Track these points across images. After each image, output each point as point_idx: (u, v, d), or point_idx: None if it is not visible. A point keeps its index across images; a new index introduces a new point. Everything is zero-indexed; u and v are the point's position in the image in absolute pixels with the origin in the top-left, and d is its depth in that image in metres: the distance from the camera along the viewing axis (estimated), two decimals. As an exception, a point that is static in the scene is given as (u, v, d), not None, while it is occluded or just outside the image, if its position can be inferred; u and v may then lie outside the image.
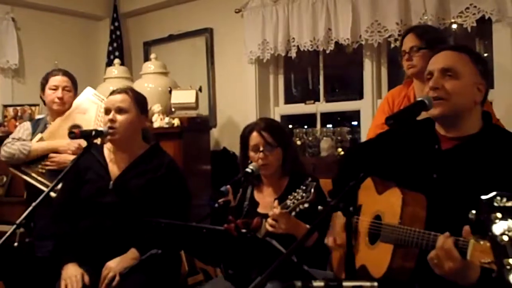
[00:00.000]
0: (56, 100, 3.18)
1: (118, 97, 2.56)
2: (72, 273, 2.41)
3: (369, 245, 1.94)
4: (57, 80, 3.21)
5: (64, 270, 2.44)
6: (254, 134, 2.50)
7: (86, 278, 2.40)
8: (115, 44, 4.98)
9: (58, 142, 3.11)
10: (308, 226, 2.26)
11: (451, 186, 1.76)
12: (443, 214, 1.73)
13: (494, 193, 1.03)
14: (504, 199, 1.02)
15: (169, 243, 2.30)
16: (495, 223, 1.00)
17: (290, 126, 4.41)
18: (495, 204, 1.03)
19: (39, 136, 3.13)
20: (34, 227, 3.05)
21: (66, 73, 3.28)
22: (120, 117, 2.52)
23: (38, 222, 2.92)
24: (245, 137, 2.57)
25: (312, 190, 2.14)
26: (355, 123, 4.23)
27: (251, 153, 2.51)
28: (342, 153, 3.92)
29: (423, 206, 1.79)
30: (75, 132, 2.45)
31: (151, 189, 2.51)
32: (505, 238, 0.98)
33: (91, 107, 3.18)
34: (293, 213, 2.20)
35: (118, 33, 5.01)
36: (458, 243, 1.51)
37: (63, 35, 4.93)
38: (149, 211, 2.45)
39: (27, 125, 3.32)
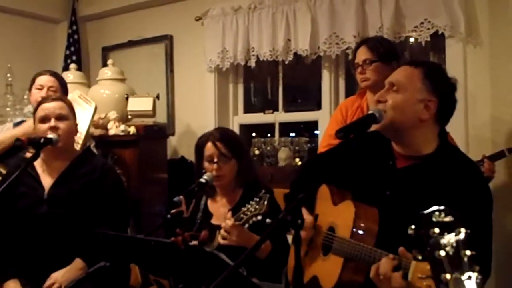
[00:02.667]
0: (40, 99, 3.11)
1: (56, 104, 2.52)
2: None
3: (322, 257, 1.94)
4: (43, 80, 3.15)
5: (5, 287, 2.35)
6: (209, 144, 2.47)
7: None
8: (72, 48, 4.86)
9: (22, 128, 3.01)
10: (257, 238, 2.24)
11: (403, 204, 1.76)
12: (394, 231, 1.71)
13: (432, 208, 1.04)
14: (443, 214, 1.03)
15: (116, 255, 2.24)
16: (433, 238, 1.01)
17: (254, 134, 4.41)
18: (434, 219, 1.03)
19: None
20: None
21: (53, 74, 3.23)
22: (62, 125, 2.48)
23: None
24: (199, 147, 2.53)
25: (265, 202, 2.12)
26: (317, 132, 4.26)
27: (206, 164, 2.48)
28: (300, 163, 3.93)
29: (375, 221, 1.80)
30: (22, 140, 2.37)
31: (87, 194, 2.47)
32: (442, 253, 0.99)
33: (77, 109, 3.09)
34: (246, 225, 2.18)
35: (76, 37, 4.90)
36: (401, 264, 1.52)
37: (18, 38, 4.79)
38: (87, 217, 2.40)
39: (8, 125, 3.26)
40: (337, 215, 1.93)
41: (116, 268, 2.40)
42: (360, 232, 1.78)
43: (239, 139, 2.73)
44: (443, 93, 1.81)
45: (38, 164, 2.55)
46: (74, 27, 4.91)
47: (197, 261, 1.80)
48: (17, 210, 2.46)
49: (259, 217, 2.14)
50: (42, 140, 2.37)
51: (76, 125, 2.64)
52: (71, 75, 4.30)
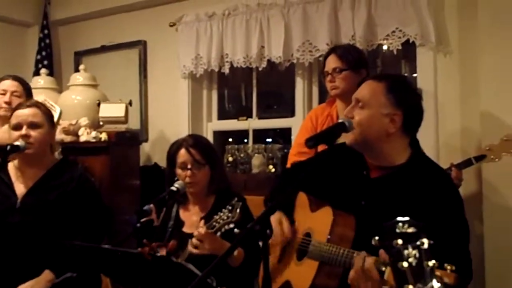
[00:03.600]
0: (3, 105, 3.05)
1: (29, 111, 2.46)
2: None
3: (296, 261, 1.96)
4: (6, 84, 3.10)
5: None
6: (182, 151, 2.44)
7: None
8: (44, 53, 4.79)
9: None
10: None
11: (378, 213, 1.77)
12: (369, 239, 1.73)
13: (396, 220, 1.04)
14: (406, 225, 1.03)
15: (84, 266, 2.21)
16: (396, 249, 1.01)
17: (230, 140, 4.39)
18: (397, 230, 1.03)
19: None
20: None
21: (16, 78, 3.18)
22: (34, 133, 2.43)
23: None
24: (172, 154, 2.50)
25: (238, 210, 2.12)
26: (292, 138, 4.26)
27: (179, 171, 2.45)
28: (273, 170, 3.93)
29: (352, 228, 1.82)
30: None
31: (62, 205, 2.42)
32: (405, 264, 0.99)
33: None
34: (219, 233, 2.17)
35: (47, 41, 4.82)
36: (376, 263, 1.52)
37: (-12, 41, 4.71)
38: (61, 228, 2.35)
39: None
40: (315, 221, 1.95)
41: (86, 279, 2.36)
42: (337, 237, 1.80)
43: (212, 146, 2.71)
44: (408, 105, 1.84)
45: (12, 172, 2.51)
46: (46, 31, 4.83)
47: (165, 271, 1.77)
48: None
49: (232, 225, 2.14)
50: (8, 147, 2.32)
51: (53, 132, 2.59)
52: (41, 80, 4.25)
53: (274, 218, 2.04)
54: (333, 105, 2.77)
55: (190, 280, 1.61)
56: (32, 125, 2.43)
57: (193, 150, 2.43)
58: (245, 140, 4.26)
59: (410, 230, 1.03)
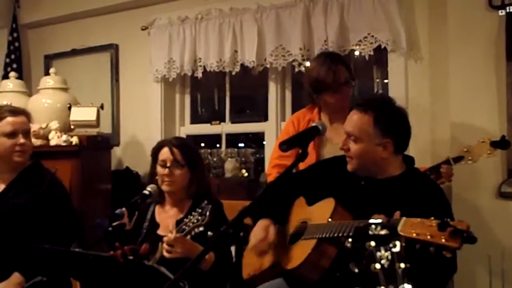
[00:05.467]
0: None
1: (22, 119, 2.50)
2: None
3: (287, 246, 2.06)
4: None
5: None
6: (165, 149, 2.49)
7: None
8: (13, 56, 4.71)
9: None
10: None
11: (371, 214, 1.82)
12: None
13: (368, 222, 1.05)
14: (378, 228, 1.05)
15: (54, 270, 2.17)
16: (369, 251, 1.02)
17: (203, 144, 4.38)
18: (370, 232, 1.05)
19: None
20: None
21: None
22: (27, 140, 2.48)
23: None
24: (155, 151, 2.56)
25: (208, 213, 2.13)
26: (264, 142, 4.27)
27: (159, 168, 2.48)
28: (246, 174, 3.93)
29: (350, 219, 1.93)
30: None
31: (32, 207, 2.42)
32: (378, 266, 1.00)
33: None
34: (189, 236, 2.17)
35: (16, 44, 4.74)
36: (390, 220, 1.59)
37: (-46, 44, 4.61)
38: (31, 231, 2.33)
39: None
40: (313, 211, 2.07)
41: (56, 283, 2.32)
42: (339, 218, 1.93)
43: (196, 151, 2.75)
44: (396, 131, 1.99)
45: None
46: (15, 34, 4.75)
47: (138, 275, 1.76)
48: None
49: (201, 228, 2.15)
50: None
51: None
52: (10, 84, 4.17)
53: (261, 225, 2.12)
54: (314, 111, 2.78)
55: (163, 283, 1.60)
56: (25, 133, 2.47)
57: (175, 149, 2.47)
58: (218, 145, 4.25)
59: (383, 232, 1.04)
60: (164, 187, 2.46)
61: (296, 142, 1.86)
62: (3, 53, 4.73)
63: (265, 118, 3.97)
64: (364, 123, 1.97)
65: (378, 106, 2.01)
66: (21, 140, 2.44)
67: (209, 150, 4.12)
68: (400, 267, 1.00)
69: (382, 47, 3.24)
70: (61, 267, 1.97)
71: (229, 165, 3.92)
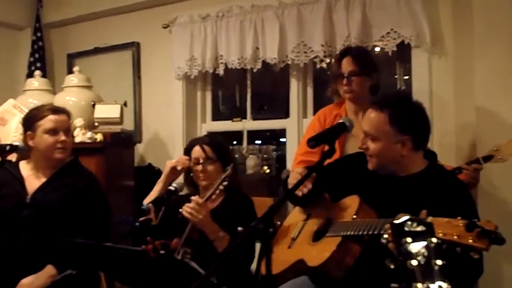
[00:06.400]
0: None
1: (64, 117, 2.58)
2: None
3: (311, 243, 2.06)
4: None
5: None
6: (196, 147, 2.62)
7: None
8: (36, 55, 4.76)
9: None
10: (219, 228, 2.37)
11: (394, 211, 1.82)
12: None
13: (405, 218, 1.05)
14: (415, 224, 1.05)
15: (86, 263, 2.22)
16: (405, 247, 1.03)
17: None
18: (406, 228, 1.05)
19: None
20: None
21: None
22: (67, 138, 2.56)
23: None
24: (188, 149, 2.68)
25: (229, 168, 2.34)
26: (283, 139, 4.28)
27: (193, 166, 2.60)
28: (268, 171, 3.94)
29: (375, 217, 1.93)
30: (-12, 147, 2.34)
31: (69, 203, 2.48)
32: (414, 262, 1.00)
33: (12, 119, 3.04)
34: (213, 196, 2.37)
35: (40, 43, 4.80)
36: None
37: (-19, 44, 4.69)
38: (67, 225, 2.40)
39: None
40: (337, 208, 2.08)
41: (85, 276, 2.37)
42: (364, 216, 1.93)
43: (227, 146, 2.87)
44: (413, 127, 1.97)
45: (24, 169, 2.58)
46: (39, 34, 4.81)
47: (168, 269, 1.79)
48: None
49: (225, 183, 2.34)
50: (7, 147, 2.36)
51: None
52: (36, 82, 4.23)
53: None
54: (342, 106, 2.78)
55: (192, 278, 1.62)
56: (66, 130, 2.56)
57: (207, 147, 2.59)
58: (234, 142, 4.26)
59: (419, 228, 1.04)
60: (201, 182, 2.58)
61: (324, 139, 1.88)
62: (27, 53, 4.80)
63: (286, 114, 3.97)
64: (381, 121, 1.96)
65: (393, 103, 1.99)
66: (62, 137, 2.51)
67: (230, 147, 4.13)
68: (436, 264, 1.00)
69: (406, 42, 3.22)
70: (92, 261, 2.02)
71: (251, 161, 3.93)
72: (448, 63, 3.16)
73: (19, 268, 2.36)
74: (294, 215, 2.35)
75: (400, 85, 3.55)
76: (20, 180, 2.53)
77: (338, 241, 1.90)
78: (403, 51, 3.41)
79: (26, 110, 2.89)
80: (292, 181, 2.22)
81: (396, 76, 3.59)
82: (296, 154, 2.88)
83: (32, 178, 2.55)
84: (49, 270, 2.34)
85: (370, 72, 2.68)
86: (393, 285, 1.01)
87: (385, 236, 1.11)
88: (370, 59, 2.79)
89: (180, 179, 2.73)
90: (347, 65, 2.68)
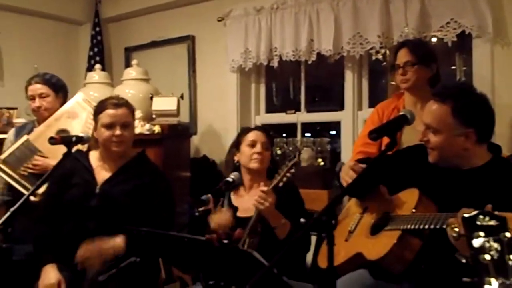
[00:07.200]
0: (36, 109, 3.16)
1: (122, 112, 2.60)
2: (50, 281, 2.39)
3: (369, 236, 2.05)
4: (32, 89, 3.16)
5: (43, 273, 2.43)
6: (255, 131, 2.68)
7: (63, 287, 2.39)
8: (96, 49, 4.93)
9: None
10: (282, 217, 2.41)
11: (457, 205, 1.77)
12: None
13: (476, 212, 1.04)
14: (487, 218, 1.04)
15: (150, 251, 2.29)
16: (478, 241, 1.02)
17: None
18: (478, 222, 1.04)
19: (25, 137, 3.08)
20: (12, 232, 3.03)
21: (40, 81, 3.17)
22: (126, 132, 2.59)
23: (17, 226, 2.91)
24: (241, 134, 2.73)
25: (296, 156, 2.49)
26: (333, 132, 4.26)
27: (246, 149, 2.63)
28: (322, 163, 3.93)
29: (435, 212, 1.89)
30: (55, 138, 2.43)
31: (137, 195, 2.54)
32: (487, 257, 0.99)
33: (81, 113, 3.14)
34: (281, 184, 2.40)
35: (99, 38, 4.97)
36: None
37: (43, 39, 4.88)
38: (134, 216, 2.46)
39: (10, 134, 3.34)
40: (395, 202, 2.05)
41: (147, 265, 2.44)
42: (423, 209, 1.89)
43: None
44: (478, 120, 1.91)
45: (93, 159, 2.65)
46: (97, 29, 4.98)
47: (231, 259, 1.82)
48: (68, 200, 2.54)
49: (292, 170, 2.38)
50: (74, 138, 2.43)
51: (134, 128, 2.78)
52: (96, 76, 4.36)
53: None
54: (401, 98, 2.76)
55: (254, 268, 1.65)
56: (124, 125, 2.58)
57: (265, 134, 2.68)
58: (284, 134, 4.26)
59: (492, 223, 1.03)
60: (254, 165, 2.60)
61: (385, 131, 1.86)
62: (87, 47, 4.97)
63: (340, 107, 3.95)
64: (443, 113, 1.91)
65: (457, 95, 1.93)
66: (117, 131, 2.55)
67: (284, 139, 4.15)
68: (510, 259, 0.99)
69: (467, 32, 3.14)
70: (156, 249, 2.08)
71: (305, 154, 3.93)
72: (511, 54, 3.06)
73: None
74: (350, 208, 2.34)
75: (460, 76, 3.46)
76: (89, 170, 2.60)
77: (397, 235, 1.87)
78: (463, 41, 3.32)
79: (94, 104, 2.99)
80: (343, 174, 2.21)
81: (453, 67, 3.51)
82: (355, 145, 2.88)
83: (101, 169, 2.62)
84: (120, 238, 2.39)
85: (427, 63, 2.64)
86: (464, 279, 1.00)
87: (456, 229, 1.09)
88: (428, 50, 2.74)
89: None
90: (402, 56, 2.67)
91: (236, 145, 2.72)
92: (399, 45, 2.81)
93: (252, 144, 2.62)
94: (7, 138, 3.33)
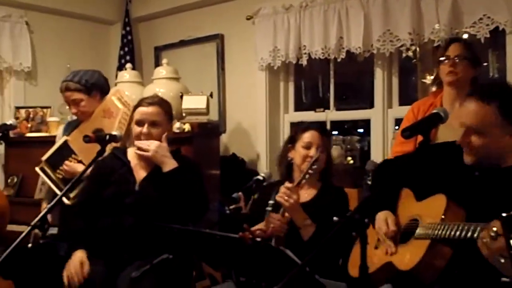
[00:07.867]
0: (74, 114, 3.22)
1: (152, 110, 2.62)
2: (73, 261, 2.44)
3: (399, 245, 2.01)
4: (65, 97, 3.14)
5: (71, 258, 2.47)
6: (311, 131, 2.59)
7: (86, 268, 2.42)
8: (126, 49, 5.00)
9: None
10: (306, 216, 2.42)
11: (487, 208, 1.75)
12: None
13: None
14: (526, 217, 1.03)
15: (182, 248, 2.31)
16: (516, 240, 1.01)
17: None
18: (517, 221, 1.03)
19: (64, 138, 3.14)
20: (48, 229, 3.09)
21: (70, 87, 3.09)
22: (154, 131, 2.61)
23: (61, 224, 2.97)
24: (298, 132, 2.65)
25: (318, 152, 2.46)
26: (360, 130, 4.24)
27: (301, 149, 2.57)
28: (352, 161, 3.92)
29: (463, 219, 1.85)
30: (89, 136, 2.47)
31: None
32: (527, 256, 0.98)
33: (116, 111, 3.15)
34: (307, 176, 2.42)
35: (129, 37, 5.04)
36: None
37: (75, 39, 4.98)
38: (169, 212, 2.48)
39: (59, 131, 3.41)
40: (423, 208, 2.00)
41: (180, 261, 2.46)
42: (451, 217, 1.85)
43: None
44: None
45: (131, 156, 2.69)
46: (128, 28, 5.05)
47: (263, 256, 1.83)
48: (107, 196, 2.58)
49: (315, 166, 2.41)
50: (107, 136, 2.46)
51: (171, 127, 2.84)
52: (127, 75, 4.42)
53: (381, 217, 2.10)
54: (438, 96, 2.72)
55: (286, 266, 1.65)
56: (153, 123, 2.61)
57: (320, 134, 2.59)
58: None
59: (531, 221, 1.02)
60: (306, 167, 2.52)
61: (418, 129, 1.84)
62: (117, 46, 5.05)
63: (370, 105, 3.92)
64: (488, 113, 1.83)
65: (501, 94, 1.86)
66: (144, 129, 2.59)
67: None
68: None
69: (500, 29, 3.08)
70: (188, 246, 2.10)
71: (335, 152, 3.91)
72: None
73: (122, 249, 2.47)
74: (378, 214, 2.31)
75: (493, 73, 3.41)
76: (128, 167, 2.64)
77: (427, 244, 1.84)
78: (496, 37, 3.26)
79: (129, 102, 3.02)
80: (378, 223, 2.12)
81: (485, 64, 3.45)
82: (393, 146, 2.86)
83: (139, 167, 2.65)
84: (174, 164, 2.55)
85: (476, 63, 2.62)
86: (503, 279, 1.00)
87: (494, 229, 1.08)
88: (475, 51, 2.70)
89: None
90: (456, 49, 2.62)
91: (291, 141, 2.66)
92: (452, 39, 2.77)
93: (308, 146, 2.55)
94: (57, 135, 3.41)
